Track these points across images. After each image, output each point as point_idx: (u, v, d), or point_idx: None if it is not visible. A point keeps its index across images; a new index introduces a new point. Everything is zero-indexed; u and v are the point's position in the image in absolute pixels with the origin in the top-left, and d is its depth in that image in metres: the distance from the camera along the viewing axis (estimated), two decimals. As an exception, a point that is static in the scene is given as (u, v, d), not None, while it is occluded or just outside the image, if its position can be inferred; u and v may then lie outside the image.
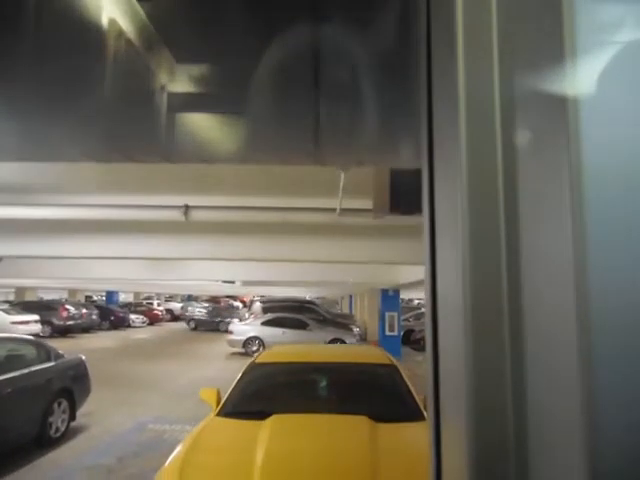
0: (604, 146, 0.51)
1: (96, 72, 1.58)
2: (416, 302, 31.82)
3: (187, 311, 31.69)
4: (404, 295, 24.61)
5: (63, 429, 6.50)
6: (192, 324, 26.84)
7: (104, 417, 7.72)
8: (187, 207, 5.48)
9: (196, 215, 5.50)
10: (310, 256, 6.05)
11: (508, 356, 0.60)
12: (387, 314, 15.37)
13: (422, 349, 14.18)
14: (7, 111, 1.73)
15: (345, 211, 5.33)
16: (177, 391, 9.90)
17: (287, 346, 6.22)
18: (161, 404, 8.84)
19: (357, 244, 5.96)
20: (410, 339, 17.54)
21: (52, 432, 6.26)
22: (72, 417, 6.75)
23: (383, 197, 2.50)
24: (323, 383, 4.19)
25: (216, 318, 26.18)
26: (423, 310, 17.46)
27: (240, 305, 41.24)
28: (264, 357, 4.79)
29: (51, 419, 6.25)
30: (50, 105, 1.72)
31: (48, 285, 24.71)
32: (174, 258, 7.26)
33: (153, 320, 28.51)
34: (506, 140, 0.62)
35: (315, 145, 1.64)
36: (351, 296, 29.21)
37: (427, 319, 0.77)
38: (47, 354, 6.61)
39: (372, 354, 5.18)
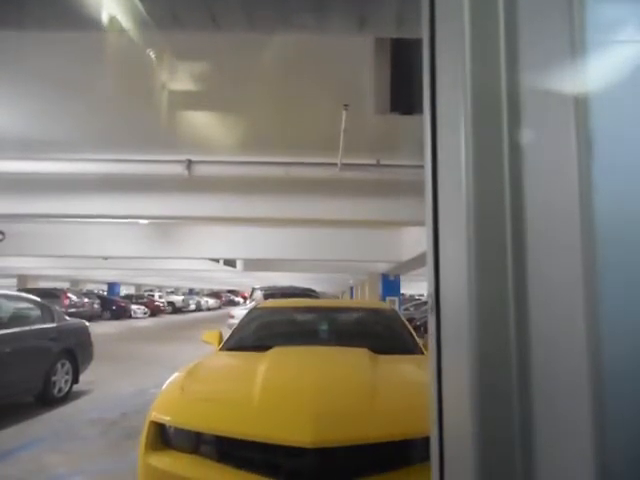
0: (612, 142, 0.51)
1: None
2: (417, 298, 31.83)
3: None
4: (404, 290, 24.73)
5: (66, 389, 6.55)
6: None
7: (107, 385, 7.79)
8: (190, 162, 5.53)
9: (199, 170, 5.54)
10: (313, 215, 6.10)
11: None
12: (388, 298, 15.46)
13: (422, 336, 14.18)
14: None
15: (346, 166, 5.40)
16: (177, 365, 9.90)
17: (290, 299, 6.26)
18: (162, 375, 8.78)
19: (359, 202, 6.00)
20: (411, 327, 17.66)
21: (55, 391, 6.31)
22: (75, 380, 6.80)
23: (384, 97, 2.55)
24: (325, 323, 4.23)
25: None
26: (423, 301, 17.51)
27: (241, 300, 41.76)
28: (266, 304, 4.84)
29: (54, 378, 6.30)
30: None
31: (48, 273, 24.74)
32: (177, 217, 7.29)
33: (154, 311, 28.51)
34: (512, 136, 0.62)
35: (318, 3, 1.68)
36: (352, 288, 29.25)
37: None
38: (51, 315, 6.65)
39: (374, 302, 5.23)
